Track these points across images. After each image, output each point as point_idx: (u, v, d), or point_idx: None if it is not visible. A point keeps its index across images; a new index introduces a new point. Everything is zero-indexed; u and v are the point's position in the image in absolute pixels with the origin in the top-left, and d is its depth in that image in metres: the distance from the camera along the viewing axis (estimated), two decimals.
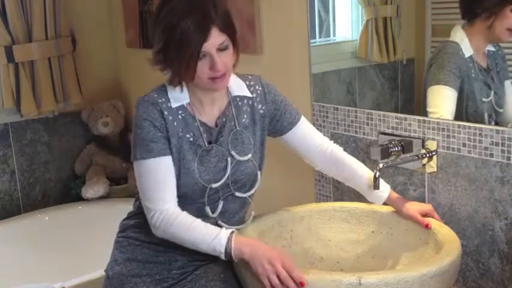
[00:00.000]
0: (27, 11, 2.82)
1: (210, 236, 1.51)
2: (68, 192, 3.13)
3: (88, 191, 2.95)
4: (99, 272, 2.07)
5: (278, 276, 1.41)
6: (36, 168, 3.04)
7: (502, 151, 1.58)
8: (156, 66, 1.57)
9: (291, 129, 1.72)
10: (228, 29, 1.52)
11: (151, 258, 1.64)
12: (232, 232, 1.52)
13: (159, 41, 1.52)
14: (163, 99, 1.57)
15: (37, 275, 2.60)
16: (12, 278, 2.58)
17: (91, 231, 2.86)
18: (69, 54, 2.99)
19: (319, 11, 2.17)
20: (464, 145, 1.67)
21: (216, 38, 1.49)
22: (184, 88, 1.59)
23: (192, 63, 1.48)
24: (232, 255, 1.49)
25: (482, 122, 1.69)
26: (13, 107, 2.86)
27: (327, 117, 2.07)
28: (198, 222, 1.55)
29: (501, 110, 1.72)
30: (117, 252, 1.70)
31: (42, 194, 3.07)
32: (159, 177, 1.56)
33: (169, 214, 1.55)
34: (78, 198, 3.04)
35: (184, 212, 1.57)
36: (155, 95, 1.58)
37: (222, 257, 1.51)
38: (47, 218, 2.89)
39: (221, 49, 1.51)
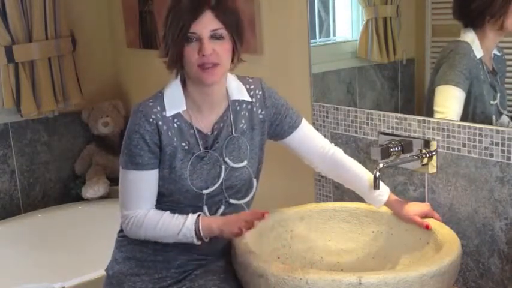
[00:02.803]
0: (27, 11, 2.82)
1: (178, 226, 1.56)
2: (68, 192, 3.13)
3: (88, 191, 2.95)
4: (99, 272, 2.07)
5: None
6: (36, 168, 3.04)
7: (502, 151, 1.58)
8: (162, 57, 1.57)
9: (291, 133, 1.71)
10: (226, 18, 1.51)
11: (150, 257, 1.64)
12: (199, 215, 1.57)
13: (164, 25, 1.54)
14: (159, 108, 1.57)
15: (37, 275, 2.59)
16: (12, 278, 2.58)
17: (91, 231, 2.86)
18: (69, 54, 2.99)
19: (319, 11, 2.17)
20: (464, 145, 1.67)
21: (208, 21, 1.49)
22: (181, 95, 1.59)
23: (181, 42, 1.49)
24: (202, 236, 1.55)
25: (491, 124, 1.69)
26: (13, 107, 2.86)
27: (327, 117, 2.07)
28: (165, 216, 1.59)
29: (504, 112, 1.72)
30: (117, 251, 1.71)
31: (42, 194, 3.07)
32: (139, 189, 1.59)
33: (138, 217, 1.60)
34: (78, 198, 3.04)
35: (152, 210, 1.60)
36: (151, 103, 1.57)
37: (195, 241, 1.56)
38: (47, 218, 2.89)
39: (215, 37, 1.50)
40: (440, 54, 1.84)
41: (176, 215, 1.59)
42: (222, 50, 1.51)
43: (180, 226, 1.55)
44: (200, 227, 1.55)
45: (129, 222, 1.61)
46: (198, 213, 1.57)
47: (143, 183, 1.59)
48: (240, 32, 1.56)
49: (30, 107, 2.87)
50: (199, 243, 1.56)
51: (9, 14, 2.76)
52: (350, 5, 2.16)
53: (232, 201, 1.64)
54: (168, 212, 1.60)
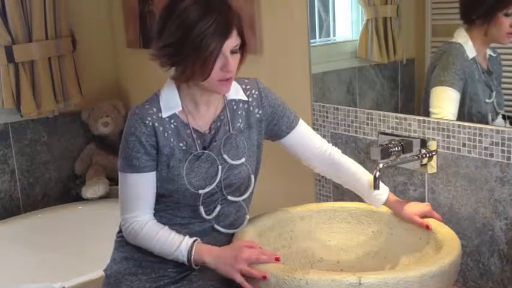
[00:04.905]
0: (27, 11, 2.82)
1: (172, 247, 1.57)
2: (68, 192, 3.13)
3: (88, 191, 2.95)
4: (99, 272, 2.07)
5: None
6: (36, 168, 3.04)
7: (502, 151, 1.58)
8: (157, 60, 1.55)
9: (289, 133, 1.71)
10: (242, 33, 1.54)
11: (148, 257, 1.64)
12: (195, 241, 1.57)
13: (170, 36, 1.50)
14: (155, 110, 1.58)
15: (37, 275, 2.59)
16: (12, 278, 2.58)
17: (91, 231, 2.86)
18: (69, 54, 2.99)
19: (319, 11, 2.17)
20: (464, 145, 1.67)
21: (233, 39, 1.50)
22: (177, 96, 1.59)
23: (209, 62, 1.48)
24: (193, 265, 1.56)
25: (487, 123, 1.69)
26: (13, 107, 2.86)
27: (327, 117, 2.07)
28: (162, 232, 1.59)
29: (501, 111, 1.72)
30: (116, 251, 1.72)
31: (42, 194, 3.07)
32: (137, 192, 1.60)
33: (138, 225, 1.61)
34: (78, 198, 3.04)
35: (152, 221, 1.61)
36: (147, 106, 1.58)
37: (187, 264, 1.57)
38: (47, 218, 2.89)
39: (233, 51, 1.52)
40: (433, 56, 1.85)
41: (173, 233, 1.59)
42: (236, 62, 1.54)
43: (175, 248, 1.57)
44: (192, 257, 1.56)
45: (128, 227, 1.62)
46: (194, 239, 1.58)
47: (141, 186, 1.59)
48: (245, 42, 1.57)
49: (30, 107, 2.87)
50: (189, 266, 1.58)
51: (9, 14, 2.76)
52: (350, 5, 2.16)
53: (230, 198, 1.64)
54: (166, 228, 1.60)
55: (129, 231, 1.62)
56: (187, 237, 1.58)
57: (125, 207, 1.63)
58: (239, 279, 1.47)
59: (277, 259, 1.46)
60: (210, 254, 1.54)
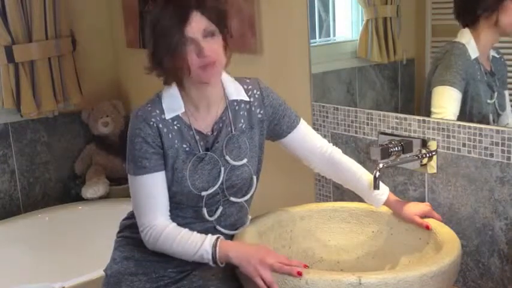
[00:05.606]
0: (27, 11, 2.82)
1: (195, 246, 1.53)
2: (68, 192, 3.13)
3: (88, 191, 2.95)
4: (99, 272, 2.07)
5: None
6: (36, 168, 3.04)
7: (502, 151, 1.58)
8: (153, 72, 1.56)
9: (289, 133, 1.71)
10: (212, 14, 1.50)
11: (148, 257, 1.64)
12: (218, 238, 1.53)
13: (148, 43, 1.53)
14: (158, 111, 1.57)
15: (37, 275, 2.60)
16: (12, 278, 2.58)
17: (91, 231, 2.86)
18: (69, 54, 2.99)
19: (319, 11, 2.17)
20: (464, 145, 1.67)
21: (198, 22, 1.48)
22: (179, 97, 1.59)
23: (179, 52, 1.47)
24: (218, 262, 1.52)
25: (487, 123, 1.69)
26: (13, 107, 2.86)
27: (327, 117, 2.07)
28: (183, 233, 1.56)
29: (502, 113, 1.72)
30: (116, 251, 1.72)
31: (42, 194, 3.07)
32: (150, 193, 1.58)
33: (156, 230, 1.57)
34: (78, 198, 3.04)
35: (172, 225, 1.58)
36: (149, 108, 1.58)
37: (211, 264, 1.52)
38: (47, 218, 2.89)
39: (207, 35, 1.49)
40: (436, 56, 1.85)
41: (194, 233, 1.56)
42: (216, 46, 1.51)
43: (198, 247, 1.52)
44: (217, 253, 1.51)
45: (147, 233, 1.59)
46: (217, 236, 1.54)
47: (153, 187, 1.58)
48: (226, 24, 1.54)
49: (30, 107, 2.87)
50: (214, 265, 1.53)
51: (9, 14, 2.76)
52: (350, 5, 2.16)
53: (232, 199, 1.64)
54: (187, 230, 1.57)
55: (148, 237, 1.59)
56: (209, 235, 1.55)
57: (140, 212, 1.60)
58: (259, 283, 1.42)
59: (299, 273, 1.38)
60: (235, 249, 1.50)
